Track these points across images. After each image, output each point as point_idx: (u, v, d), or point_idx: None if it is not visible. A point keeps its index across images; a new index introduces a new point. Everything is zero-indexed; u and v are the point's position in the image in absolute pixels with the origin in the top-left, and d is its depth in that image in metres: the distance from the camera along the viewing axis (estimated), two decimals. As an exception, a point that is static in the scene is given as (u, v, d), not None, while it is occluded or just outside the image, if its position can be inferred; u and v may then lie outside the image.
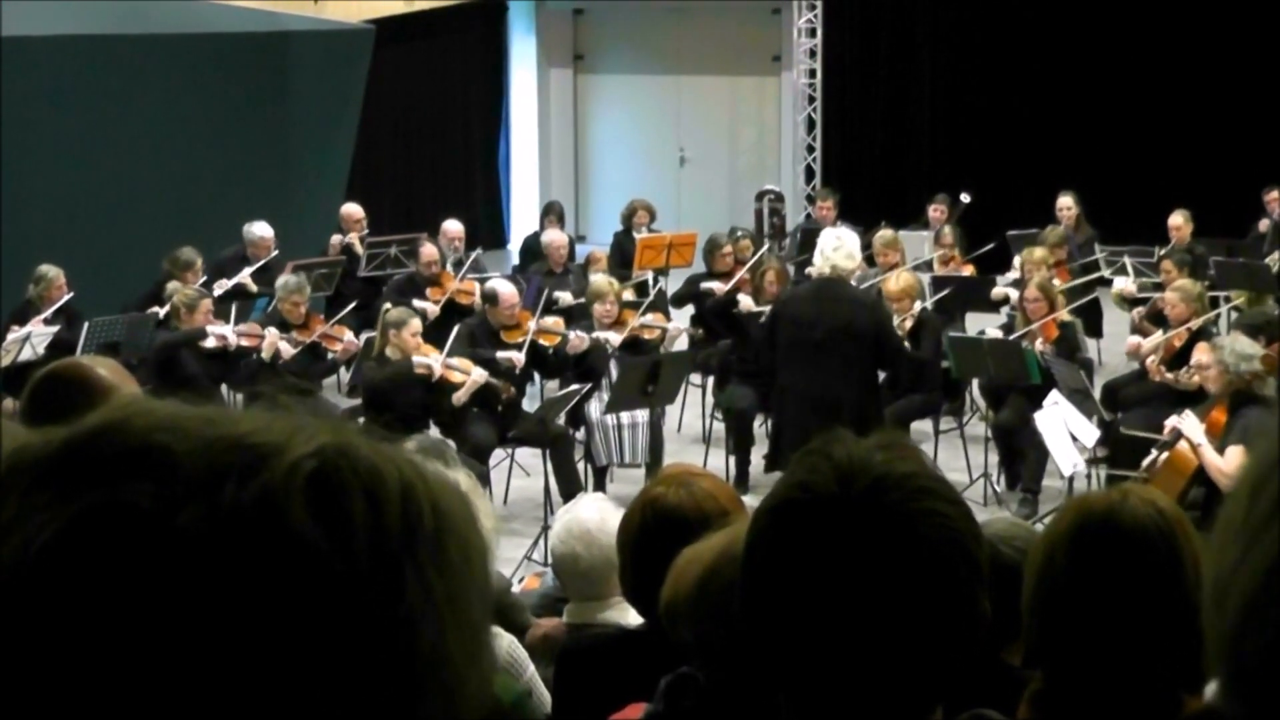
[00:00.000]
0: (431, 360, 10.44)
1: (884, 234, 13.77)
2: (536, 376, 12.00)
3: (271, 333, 11.53)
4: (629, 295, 12.51)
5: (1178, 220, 14.68)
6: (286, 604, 0.85)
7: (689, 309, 13.17)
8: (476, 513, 0.97)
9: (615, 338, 11.26)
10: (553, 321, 11.64)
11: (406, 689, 0.88)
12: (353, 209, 15.19)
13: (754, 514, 1.74)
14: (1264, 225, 15.69)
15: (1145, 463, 8.83)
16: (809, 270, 9.85)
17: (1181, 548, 2.45)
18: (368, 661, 0.87)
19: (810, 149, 20.84)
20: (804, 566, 1.64)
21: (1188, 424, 8.58)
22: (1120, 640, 2.40)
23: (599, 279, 12.07)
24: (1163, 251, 13.93)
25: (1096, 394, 10.90)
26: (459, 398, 10.36)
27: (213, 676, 0.83)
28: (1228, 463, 8.24)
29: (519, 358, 10.87)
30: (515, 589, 6.39)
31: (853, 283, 10.25)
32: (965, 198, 16.97)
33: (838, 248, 9.61)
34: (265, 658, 0.84)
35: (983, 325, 12.80)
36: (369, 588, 0.87)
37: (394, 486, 0.90)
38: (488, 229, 21.45)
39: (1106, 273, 14.02)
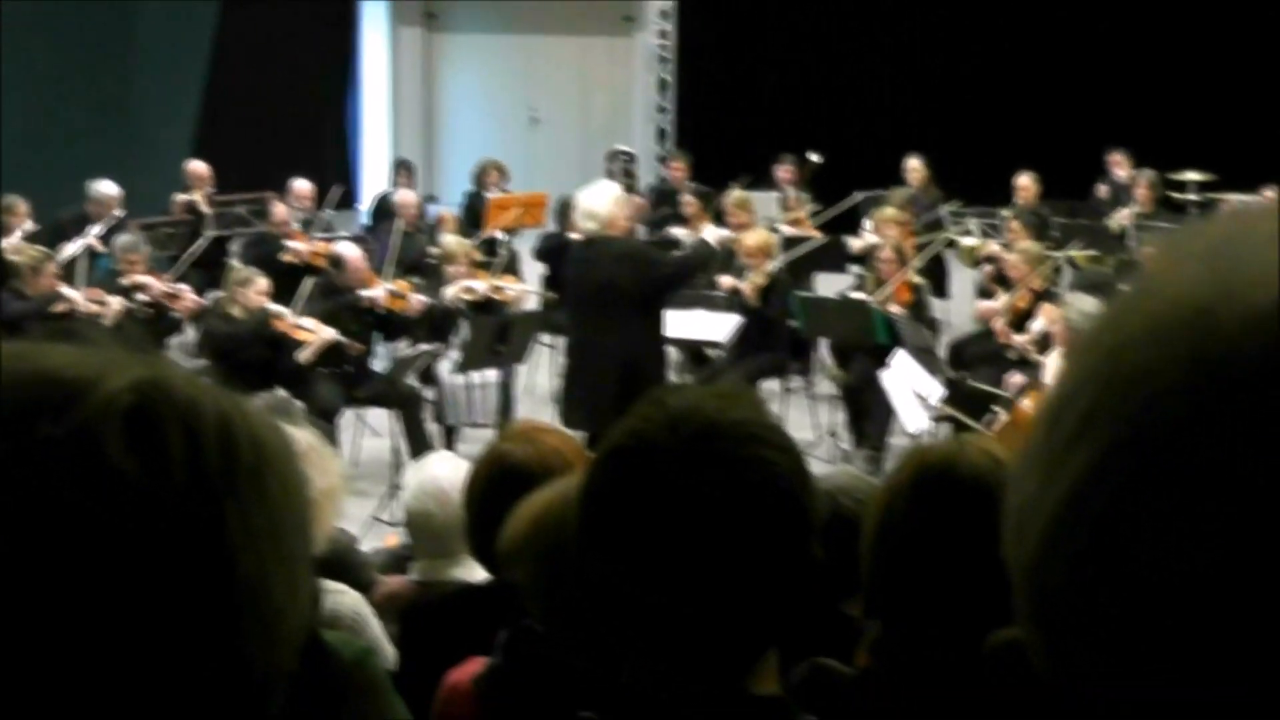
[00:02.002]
0: (284, 310, 10.36)
1: (735, 195, 13.84)
2: (386, 337, 11.91)
3: (117, 300, 11.30)
4: (478, 255, 12.46)
5: (1024, 181, 14.89)
6: (104, 538, 0.84)
7: (539, 269, 13.13)
8: (295, 445, 0.96)
9: (479, 285, 11.22)
10: (400, 284, 11.56)
11: (226, 622, 0.88)
12: (199, 166, 14.94)
13: (589, 460, 1.75)
14: (1103, 191, 15.99)
15: (990, 419, 8.98)
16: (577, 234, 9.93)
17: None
18: (186, 594, 0.86)
19: (662, 110, 20.87)
20: (633, 512, 1.65)
21: (1052, 361, 8.72)
22: (956, 588, 2.43)
23: (449, 240, 12.02)
24: (1008, 212, 14.15)
25: (942, 353, 11.06)
26: (305, 357, 10.26)
27: (28, 610, 0.83)
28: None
29: (382, 295, 10.80)
30: (378, 547, 6.35)
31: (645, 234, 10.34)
32: (815, 157, 17.09)
33: (585, 207, 9.65)
34: (83, 592, 0.84)
35: (832, 286, 12.93)
36: (187, 521, 0.86)
37: (211, 420, 0.89)
38: (338, 188, 21.17)
39: (952, 233, 14.22)
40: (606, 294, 9.38)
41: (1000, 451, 2.62)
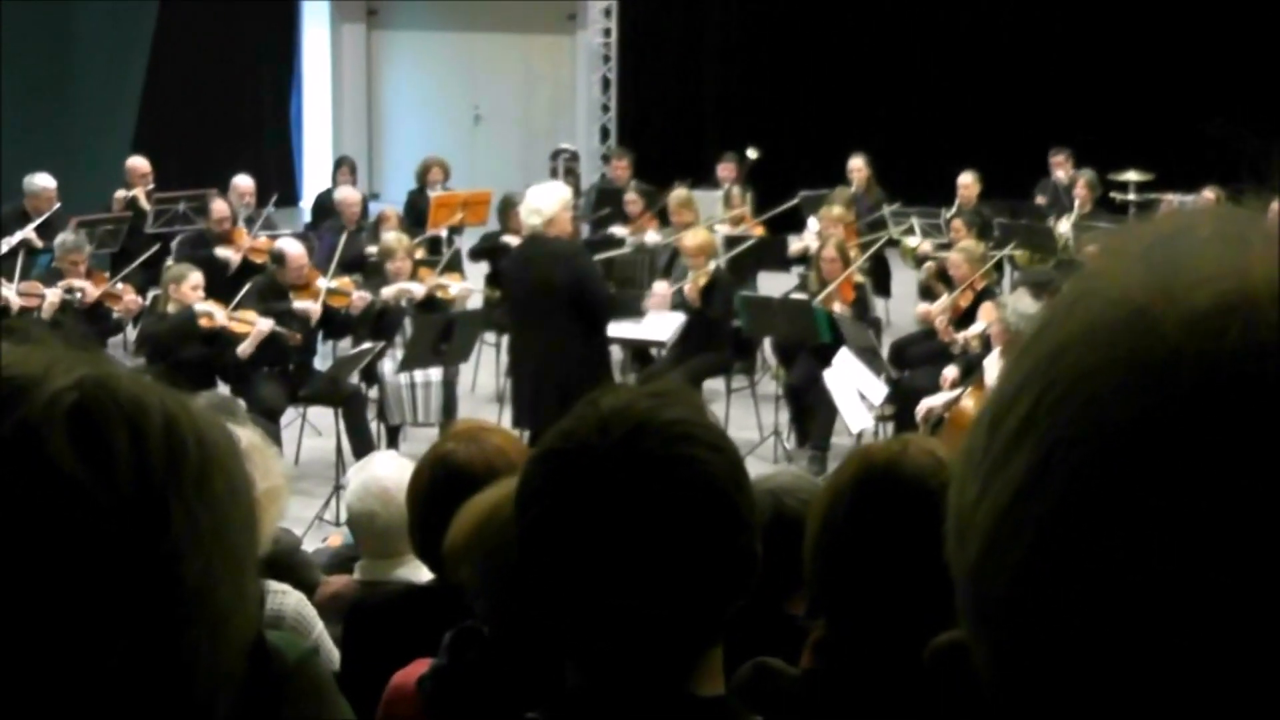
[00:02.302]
0: (213, 308, 10.30)
1: (678, 193, 13.84)
2: (328, 336, 11.86)
3: (53, 293, 11.22)
4: (421, 254, 12.43)
5: (966, 179, 14.95)
6: (49, 537, 0.84)
7: (483, 267, 13.12)
8: (240, 445, 0.96)
9: (417, 288, 11.18)
10: (343, 282, 11.51)
11: (172, 620, 0.88)
12: (138, 162, 14.83)
13: (526, 460, 1.76)
14: (1041, 200, 16.04)
15: (923, 411, 9.03)
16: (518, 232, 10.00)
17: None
18: (132, 593, 0.86)
19: (605, 108, 20.88)
20: (565, 512, 1.66)
21: (992, 361, 8.76)
22: (900, 588, 2.44)
23: (390, 236, 11.97)
24: (950, 212, 14.22)
25: (885, 353, 11.11)
26: (244, 349, 10.22)
27: None
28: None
29: (315, 309, 10.75)
30: (320, 547, 6.32)
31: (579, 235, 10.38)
32: (752, 154, 17.12)
33: (528, 206, 9.68)
34: (28, 590, 0.83)
35: (775, 286, 12.96)
36: (133, 519, 0.86)
37: (157, 418, 0.89)
38: (279, 185, 21.09)
39: (894, 233, 14.28)
40: (544, 293, 9.37)
41: (944, 451, 2.64)
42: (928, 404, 9.41)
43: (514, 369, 9.97)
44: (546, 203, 9.57)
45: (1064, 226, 14.11)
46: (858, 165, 15.69)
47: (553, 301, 9.38)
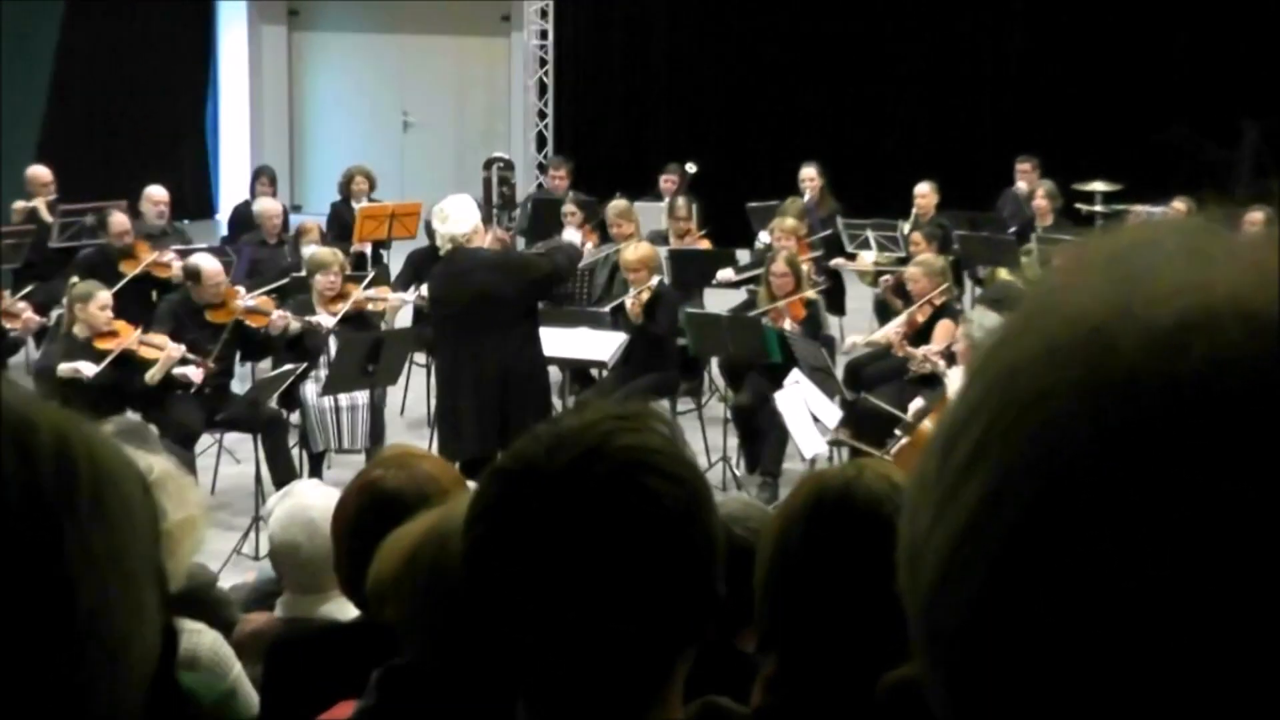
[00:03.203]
0: (121, 330, 10.26)
1: (617, 204, 13.85)
2: (246, 356, 11.80)
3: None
4: (348, 268, 12.40)
5: (924, 189, 15.02)
6: None
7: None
8: (137, 466, 0.96)
9: (328, 320, 11.12)
10: (261, 300, 11.46)
11: (66, 650, 0.87)
12: (39, 171, 14.72)
13: (482, 481, 1.76)
14: (1004, 212, 16.12)
15: (891, 443, 9.08)
16: (441, 251, 9.96)
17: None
18: (23, 622, 0.85)
19: (542, 115, 20.89)
20: (512, 540, 1.66)
21: (954, 379, 8.82)
22: (855, 621, 2.45)
23: (321, 250, 11.93)
24: (907, 225, 14.28)
25: (839, 373, 11.15)
26: (152, 376, 10.16)
27: None
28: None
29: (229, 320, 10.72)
30: (238, 583, 6.29)
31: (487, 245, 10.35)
32: (691, 168, 17.17)
33: (444, 219, 9.74)
34: None
35: (721, 302, 12.98)
36: (23, 544, 0.86)
37: (47, 438, 0.88)
38: (194, 196, 21.01)
39: (850, 246, 14.34)
40: (482, 305, 9.38)
41: (900, 477, 2.65)
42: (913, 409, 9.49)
43: (446, 393, 9.95)
44: (464, 211, 9.69)
45: (1028, 248, 14.22)
46: (810, 175, 15.75)
47: (495, 313, 9.40)
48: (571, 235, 10.90)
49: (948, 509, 0.75)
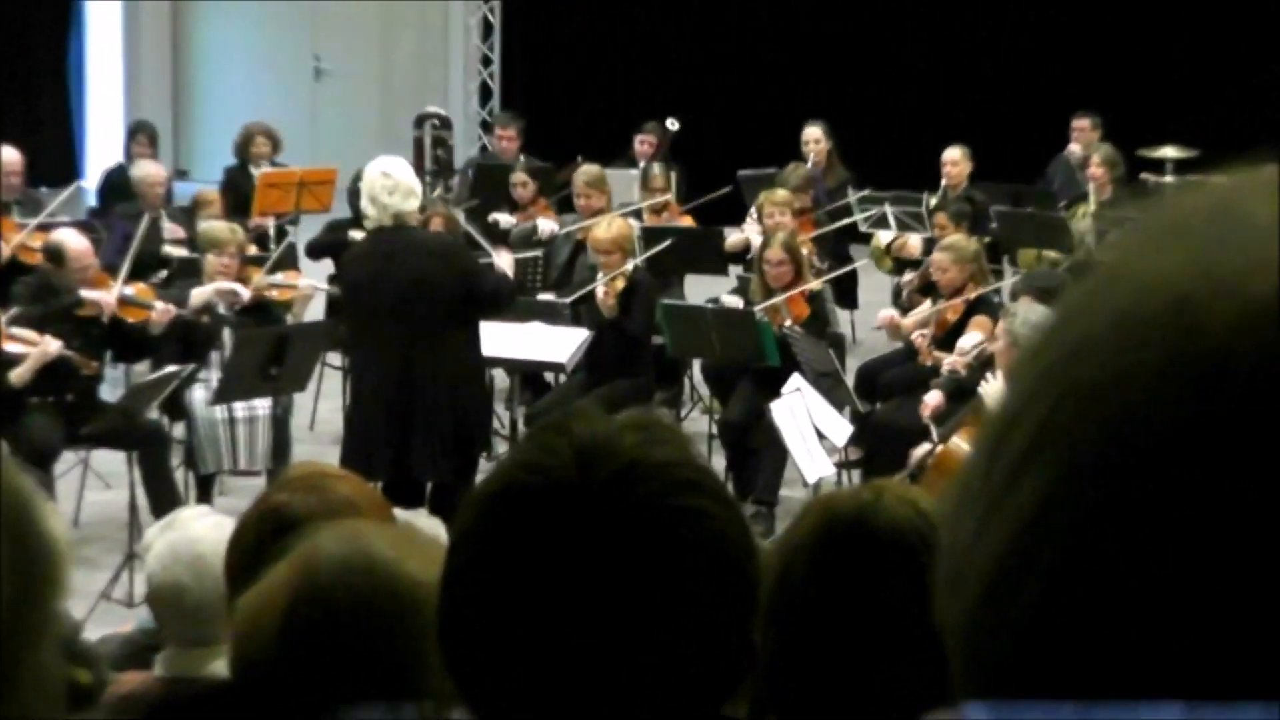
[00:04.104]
0: None
1: (587, 170, 13.83)
2: (120, 357, 11.77)
3: None
4: (250, 249, 12.37)
5: (954, 156, 15.05)
6: None
7: (325, 267, 13.07)
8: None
9: (242, 290, 11.10)
10: (140, 288, 11.42)
11: None
12: None
13: (465, 502, 1.75)
14: (1053, 183, 16.12)
15: (911, 462, 9.09)
16: (366, 223, 9.90)
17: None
18: None
19: (487, 61, 20.88)
20: (527, 569, 1.65)
21: (992, 388, 8.81)
22: (870, 674, 2.45)
23: (216, 225, 11.90)
24: (934, 199, 14.29)
25: (850, 379, 11.16)
26: (19, 375, 10.12)
27: None
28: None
29: (111, 301, 10.65)
30: (109, 634, 6.26)
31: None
32: (672, 124, 17.17)
33: (392, 188, 9.68)
34: None
35: (707, 291, 13.00)
36: None
37: None
38: (55, 158, 20.93)
39: (862, 225, 14.36)
40: (416, 296, 9.36)
41: (927, 502, 2.66)
42: (919, 454, 9.45)
43: (363, 400, 9.93)
44: (415, 182, 9.64)
45: (1080, 223, 14.25)
46: (815, 136, 15.74)
47: (430, 306, 9.37)
48: (503, 261, 10.89)
49: (996, 516, 0.76)
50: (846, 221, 14.29)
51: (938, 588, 0.80)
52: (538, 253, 13.35)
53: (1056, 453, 0.74)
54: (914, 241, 13.88)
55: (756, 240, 12.73)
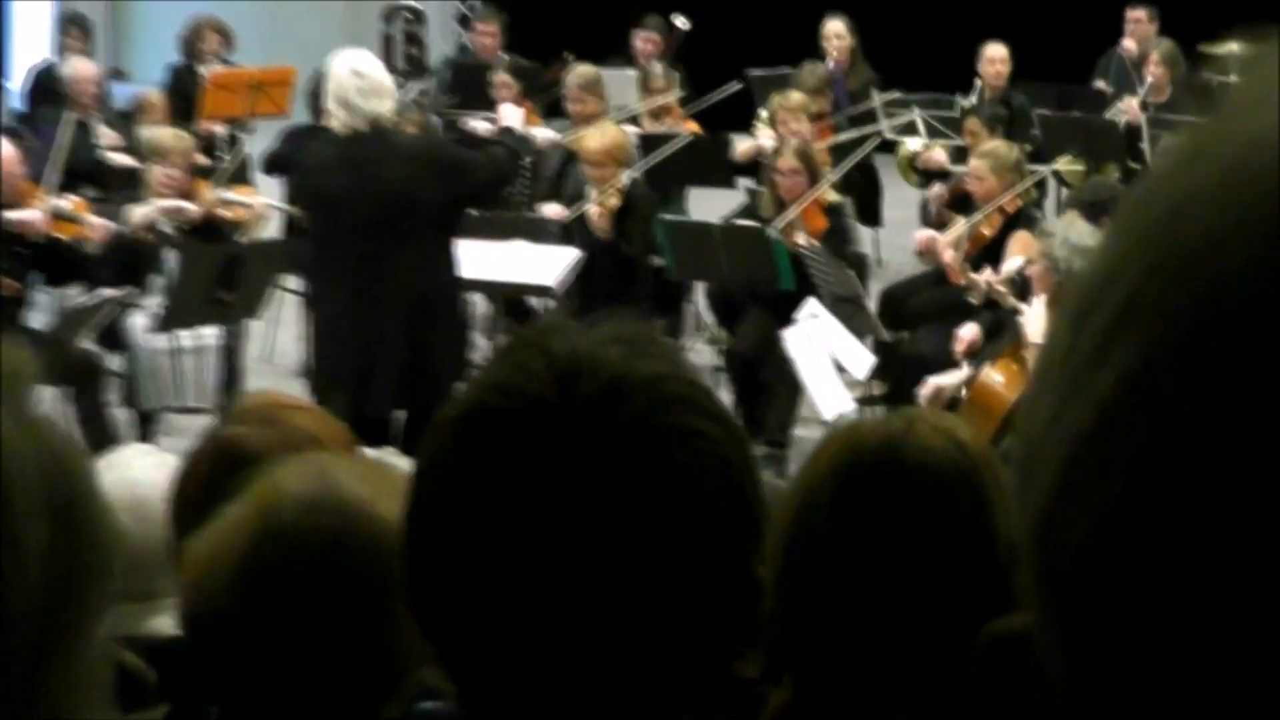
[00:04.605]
0: None
1: (582, 71, 13.75)
2: (52, 280, 11.76)
3: None
4: (200, 158, 12.36)
5: (994, 53, 15.04)
6: None
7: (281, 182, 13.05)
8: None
9: (190, 207, 11.08)
10: (75, 202, 11.40)
11: None
12: None
13: (432, 427, 1.73)
14: (1103, 84, 16.08)
15: (928, 393, 9.10)
16: (334, 126, 9.78)
17: (989, 495, 2.50)
18: None
19: (464, -53, 20.80)
20: (502, 502, 1.63)
21: (1032, 314, 8.78)
22: (899, 629, 2.45)
23: (161, 132, 11.88)
24: (968, 102, 14.26)
25: (873, 305, 11.16)
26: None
27: None
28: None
29: (39, 217, 10.64)
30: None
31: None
32: (681, 22, 17.10)
33: (366, 89, 9.56)
34: None
35: (713, 206, 12.98)
36: None
37: None
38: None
39: (888, 132, 14.32)
40: (392, 211, 9.28)
41: (966, 433, 2.65)
42: (936, 383, 9.47)
43: (329, 328, 9.90)
44: (387, 80, 9.57)
45: (1127, 110, 14.19)
46: (837, 32, 15.72)
47: (406, 223, 9.30)
48: (512, 115, 10.81)
49: (1080, 392, 0.75)
50: (870, 129, 14.24)
51: (1012, 479, 0.80)
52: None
53: (1149, 322, 0.74)
54: (939, 153, 13.86)
55: (768, 148, 12.71)
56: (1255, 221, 0.71)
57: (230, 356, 10.76)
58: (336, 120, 9.58)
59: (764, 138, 13.49)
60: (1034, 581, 0.78)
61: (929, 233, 11.69)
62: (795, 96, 13.17)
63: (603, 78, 13.90)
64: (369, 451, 4.17)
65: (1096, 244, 0.79)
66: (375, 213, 9.32)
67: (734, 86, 15.30)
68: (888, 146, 14.34)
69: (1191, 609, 0.72)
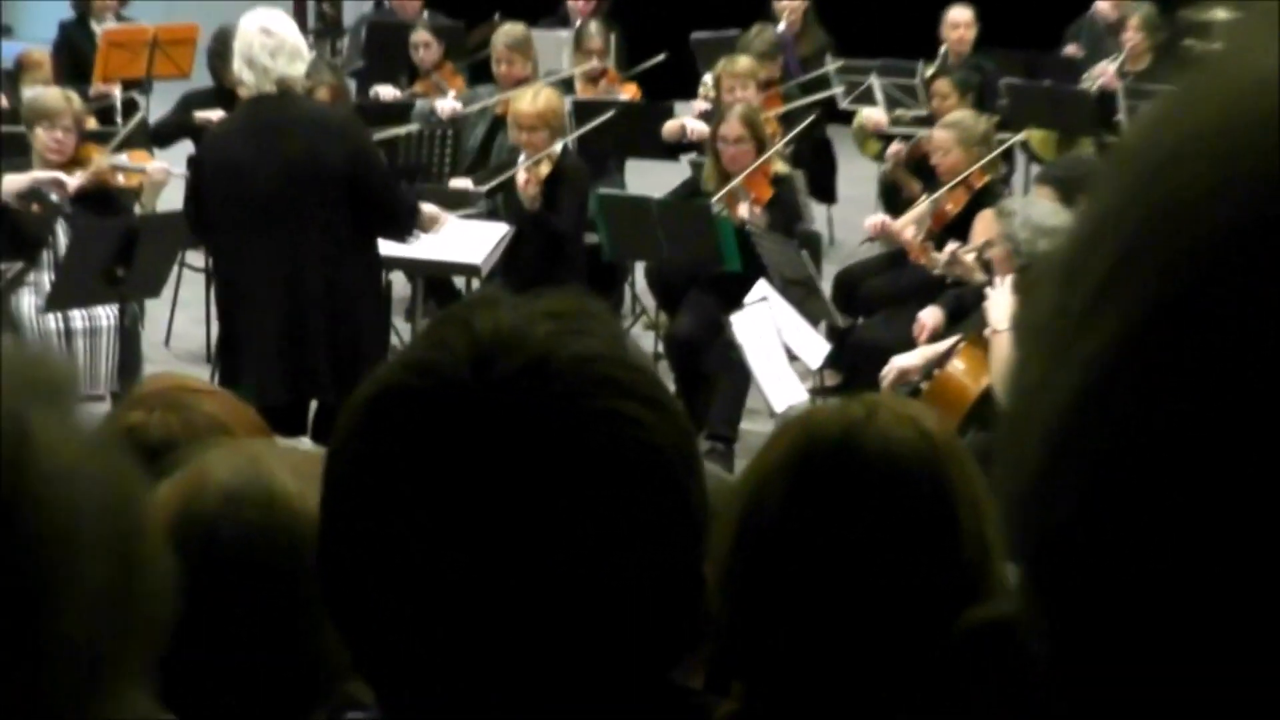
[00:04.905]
0: None
1: (510, 30, 13.72)
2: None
3: None
4: (91, 122, 12.30)
5: (962, 16, 15.04)
6: None
7: (185, 149, 13.01)
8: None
9: (71, 180, 11.02)
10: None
11: None
12: None
13: (345, 406, 1.73)
14: (1074, 50, 16.12)
15: (891, 376, 9.10)
16: (240, 90, 9.68)
17: (955, 486, 2.50)
18: None
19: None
20: (411, 486, 1.63)
21: (995, 299, 8.75)
22: (858, 630, 2.45)
23: (47, 92, 11.82)
24: (931, 68, 14.26)
25: (827, 288, 11.17)
26: None
27: None
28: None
29: None
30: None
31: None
32: None
33: (275, 48, 9.48)
34: None
35: (653, 180, 12.97)
36: None
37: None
38: None
39: (843, 100, 14.33)
40: (306, 180, 9.21)
41: (929, 421, 2.65)
42: (899, 364, 9.44)
43: (235, 307, 9.84)
44: (299, 41, 9.49)
45: (1101, 76, 14.21)
46: (790, -9, 15.71)
47: (318, 193, 9.24)
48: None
49: (1070, 354, 0.75)
50: (822, 95, 14.23)
51: (995, 449, 0.80)
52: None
53: (1144, 278, 0.74)
54: (875, 114, 13.89)
55: (695, 130, 12.75)
56: (1258, 167, 0.72)
57: (127, 339, 10.70)
58: (243, 83, 9.52)
59: (695, 113, 13.48)
60: (1019, 556, 0.78)
61: (880, 217, 11.67)
62: (742, 61, 13.12)
63: (533, 38, 13.86)
64: (282, 441, 4.16)
65: (1085, 198, 0.80)
66: (285, 183, 9.24)
67: (669, 54, 15.28)
68: (843, 117, 14.35)
69: (1186, 579, 0.72)
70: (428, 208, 10.16)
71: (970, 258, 10.07)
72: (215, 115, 12.25)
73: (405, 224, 9.80)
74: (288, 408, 9.12)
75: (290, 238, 9.32)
